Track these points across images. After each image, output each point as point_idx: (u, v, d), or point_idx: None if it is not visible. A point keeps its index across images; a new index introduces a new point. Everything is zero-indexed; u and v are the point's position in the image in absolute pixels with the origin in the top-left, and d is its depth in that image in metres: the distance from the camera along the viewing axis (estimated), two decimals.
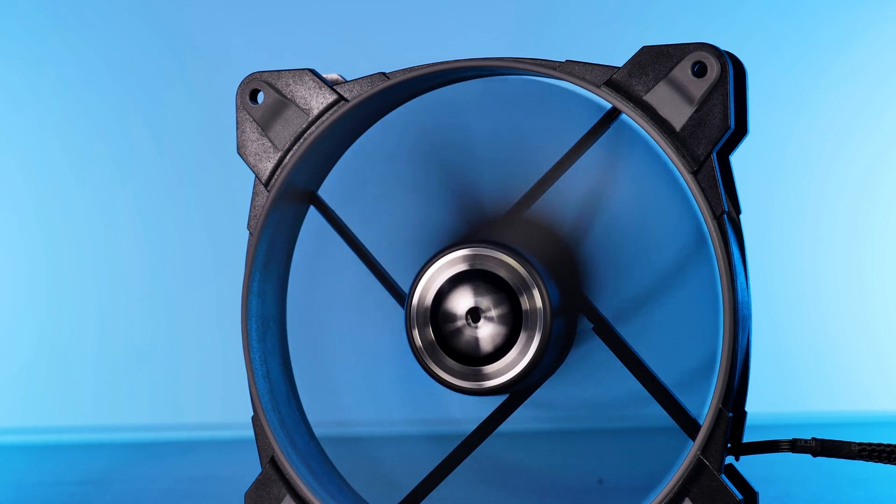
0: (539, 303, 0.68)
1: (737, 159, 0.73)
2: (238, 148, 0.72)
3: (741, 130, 0.69)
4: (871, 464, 0.72)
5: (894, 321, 1.70)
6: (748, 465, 0.75)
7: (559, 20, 1.71)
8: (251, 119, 0.72)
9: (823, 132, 1.70)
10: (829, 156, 1.70)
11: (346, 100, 0.71)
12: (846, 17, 1.71)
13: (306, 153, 0.71)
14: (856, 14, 1.70)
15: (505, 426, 0.72)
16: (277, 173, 0.72)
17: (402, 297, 0.73)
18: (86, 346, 1.72)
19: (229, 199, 1.68)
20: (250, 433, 0.73)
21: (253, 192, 0.72)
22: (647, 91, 0.65)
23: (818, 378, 1.71)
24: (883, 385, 1.69)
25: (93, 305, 1.73)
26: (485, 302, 0.68)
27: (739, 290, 0.64)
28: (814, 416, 1.67)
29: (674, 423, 0.68)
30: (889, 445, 0.70)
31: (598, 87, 0.66)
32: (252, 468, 0.74)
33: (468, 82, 0.73)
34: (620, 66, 0.66)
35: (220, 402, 1.68)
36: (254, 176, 0.72)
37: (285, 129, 0.72)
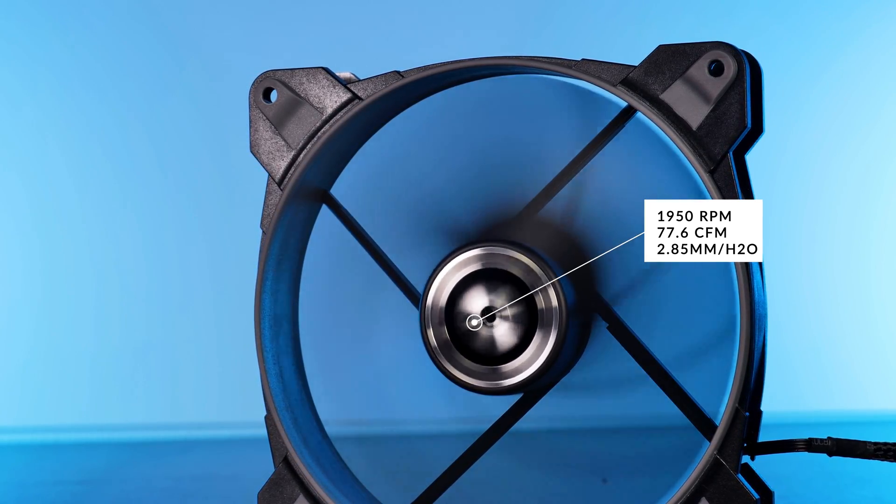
0: (554, 301, 0.68)
1: None
2: (251, 147, 0.72)
3: (757, 129, 0.69)
4: (876, 463, 0.72)
5: (893, 320, 1.70)
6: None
7: (557, 20, 1.71)
8: (264, 118, 0.72)
9: (822, 132, 1.70)
10: (827, 155, 1.70)
11: (360, 98, 0.71)
12: (844, 18, 1.71)
13: (320, 152, 0.71)
14: (854, 14, 1.71)
15: (518, 425, 0.72)
16: (291, 172, 0.71)
17: (416, 297, 0.72)
18: (84, 344, 1.71)
19: (225, 198, 1.68)
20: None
21: (266, 191, 0.71)
22: (664, 90, 0.65)
23: (816, 377, 1.71)
24: (881, 384, 1.69)
25: (90, 304, 1.72)
26: (499, 301, 0.68)
27: (756, 289, 0.64)
28: (812, 416, 1.67)
29: (689, 422, 0.68)
30: None
31: (615, 85, 0.66)
32: (253, 467, 0.73)
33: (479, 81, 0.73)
34: (636, 64, 0.66)
35: (220, 400, 1.67)
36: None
37: (299, 128, 0.71)
